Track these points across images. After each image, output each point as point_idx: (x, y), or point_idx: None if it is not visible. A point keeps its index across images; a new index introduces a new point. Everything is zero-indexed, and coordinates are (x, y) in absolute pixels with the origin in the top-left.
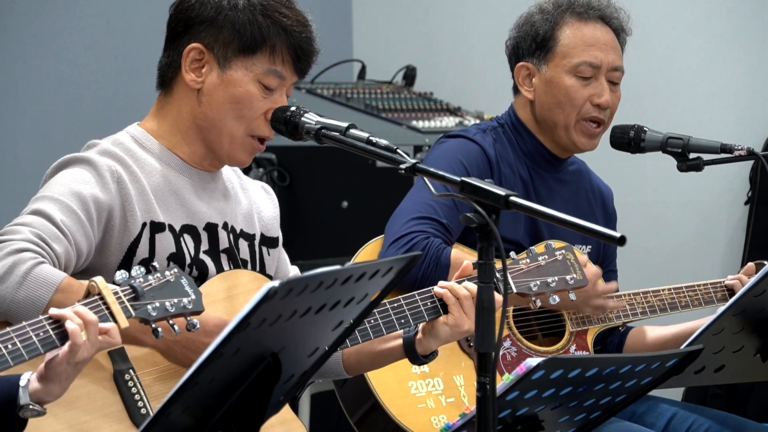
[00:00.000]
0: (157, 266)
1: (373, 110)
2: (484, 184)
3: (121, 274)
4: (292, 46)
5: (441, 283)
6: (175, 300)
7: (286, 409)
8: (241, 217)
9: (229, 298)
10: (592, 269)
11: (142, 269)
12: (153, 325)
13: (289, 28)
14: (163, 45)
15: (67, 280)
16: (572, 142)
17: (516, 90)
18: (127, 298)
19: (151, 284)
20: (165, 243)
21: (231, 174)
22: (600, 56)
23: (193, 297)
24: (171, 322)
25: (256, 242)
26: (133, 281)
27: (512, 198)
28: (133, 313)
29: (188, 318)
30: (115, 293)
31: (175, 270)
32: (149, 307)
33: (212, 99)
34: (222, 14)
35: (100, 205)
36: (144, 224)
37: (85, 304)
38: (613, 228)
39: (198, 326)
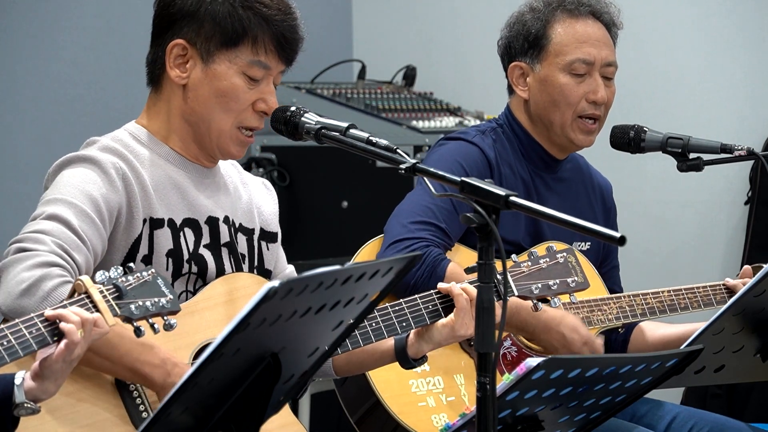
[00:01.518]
0: (134, 267)
1: (373, 110)
2: (484, 184)
3: (101, 274)
4: (274, 36)
5: (457, 284)
6: (155, 299)
7: (287, 412)
8: (241, 211)
9: (230, 302)
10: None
11: (120, 269)
12: (135, 324)
13: (270, 17)
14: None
15: None
16: (569, 140)
17: (511, 90)
18: (111, 296)
19: (131, 284)
20: (163, 239)
21: (231, 169)
22: (593, 52)
23: (170, 297)
24: (151, 321)
25: (255, 237)
26: (115, 281)
27: (512, 198)
28: (119, 312)
29: (165, 318)
30: (101, 292)
31: (152, 270)
32: (132, 306)
33: (198, 94)
34: (202, 8)
35: (110, 204)
36: (144, 221)
37: (73, 303)
38: (614, 221)
39: (175, 326)
